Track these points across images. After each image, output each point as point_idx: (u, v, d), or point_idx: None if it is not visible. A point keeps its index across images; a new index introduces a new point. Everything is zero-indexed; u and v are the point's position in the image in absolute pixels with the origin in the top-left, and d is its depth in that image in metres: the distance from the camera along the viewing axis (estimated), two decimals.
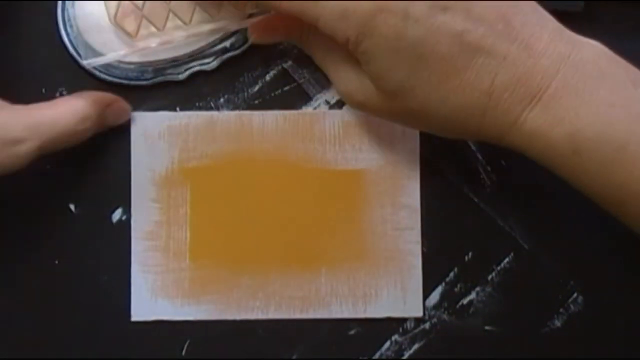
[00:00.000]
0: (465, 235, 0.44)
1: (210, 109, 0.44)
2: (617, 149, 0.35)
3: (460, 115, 0.36)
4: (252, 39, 0.42)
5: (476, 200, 0.44)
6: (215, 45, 0.44)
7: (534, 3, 0.37)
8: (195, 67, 0.44)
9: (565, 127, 0.35)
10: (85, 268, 0.44)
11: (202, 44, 0.43)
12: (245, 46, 0.44)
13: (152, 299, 0.44)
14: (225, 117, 0.44)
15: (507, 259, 0.44)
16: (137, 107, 0.44)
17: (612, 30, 0.45)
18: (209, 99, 0.44)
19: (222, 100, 0.45)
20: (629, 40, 0.45)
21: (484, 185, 0.44)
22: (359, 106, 0.40)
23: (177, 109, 0.44)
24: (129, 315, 0.44)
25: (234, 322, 0.44)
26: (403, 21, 0.35)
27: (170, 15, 0.42)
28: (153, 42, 0.42)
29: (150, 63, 0.43)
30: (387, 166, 0.44)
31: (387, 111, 0.38)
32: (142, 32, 0.42)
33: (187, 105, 0.44)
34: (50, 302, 0.44)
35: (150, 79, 0.44)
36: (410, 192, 0.44)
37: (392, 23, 0.35)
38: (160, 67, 0.44)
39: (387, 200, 0.44)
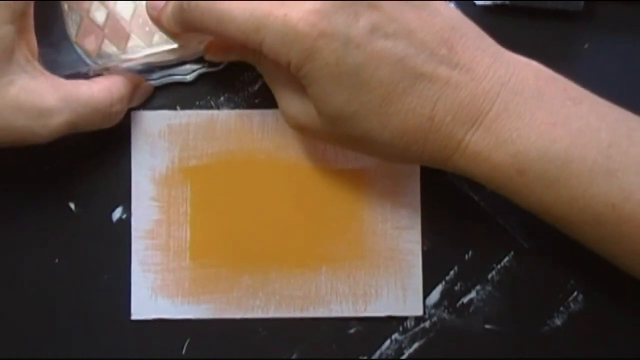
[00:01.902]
0: (465, 234, 0.44)
1: (211, 107, 0.44)
2: (560, 166, 0.35)
3: (402, 140, 0.36)
4: (207, 56, 0.42)
5: (476, 198, 0.44)
6: None
7: (476, 27, 0.37)
8: (203, 68, 0.44)
9: (508, 148, 0.35)
10: (86, 267, 0.44)
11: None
12: None
13: (152, 297, 0.44)
14: (226, 116, 0.44)
15: (507, 258, 0.44)
16: (137, 106, 0.44)
17: (612, 30, 0.45)
18: (209, 97, 0.44)
19: (222, 99, 0.45)
20: (629, 40, 0.45)
21: (484, 184, 0.44)
22: (302, 130, 0.40)
23: (177, 107, 0.44)
24: (129, 314, 0.44)
25: (234, 321, 0.44)
26: (344, 46, 0.35)
27: (132, 35, 0.43)
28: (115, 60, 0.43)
29: (157, 63, 0.43)
30: (388, 165, 0.44)
31: (329, 136, 0.38)
32: (105, 50, 0.43)
33: (187, 104, 0.44)
34: (50, 301, 0.44)
35: (158, 79, 0.44)
36: (410, 191, 0.44)
37: (332, 48, 0.35)
38: (167, 66, 0.44)
39: (387, 199, 0.44)
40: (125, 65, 0.43)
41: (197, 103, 0.44)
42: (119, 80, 0.42)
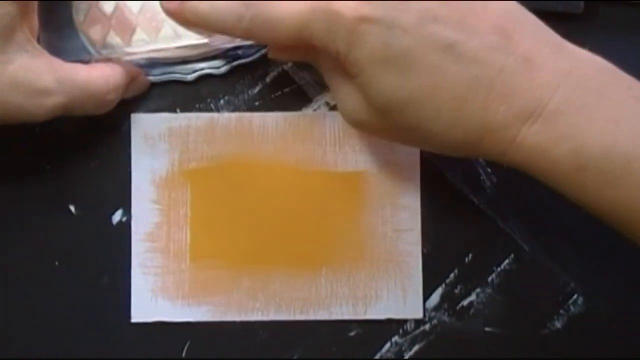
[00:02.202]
0: (465, 237, 0.44)
1: (211, 110, 0.44)
2: (622, 164, 0.34)
3: (457, 130, 0.35)
4: (271, 55, 0.41)
5: (476, 201, 0.44)
6: (228, 50, 0.44)
7: (536, 18, 0.36)
8: (205, 69, 0.44)
9: (569, 144, 0.34)
10: (86, 269, 0.44)
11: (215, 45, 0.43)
12: (257, 55, 0.44)
13: (152, 300, 0.44)
14: (226, 119, 0.44)
15: (507, 261, 0.44)
16: (136, 108, 0.44)
17: (612, 30, 0.45)
18: (209, 100, 0.44)
19: (222, 101, 0.44)
20: (629, 40, 0.45)
21: (484, 187, 0.44)
22: (358, 125, 0.39)
23: (177, 110, 0.44)
24: (129, 317, 0.44)
25: (234, 323, 0.44)
26: (388, 30, 0.34)
27: (138, 29, 0.42)
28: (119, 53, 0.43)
29: (160, 59, 0.43)
30: (387, 167, 0.44)
31: (386, 128, 0.37)
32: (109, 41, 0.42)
33: (187, 106, 0.44)
34: (50, 304, 0.44)
35: (158, 75, 0.44)
36: (410, 193, 0.44)
37: (376, 32, 0.34)
38: (169, 63, 0.44)
39: (387, 201, 0.44)
40: (128, 58, 0.43)
41: (197, 106, 0.44)
42: (117, 70, 0.42)
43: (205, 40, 0.42)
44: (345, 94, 0.38)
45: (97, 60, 0.42)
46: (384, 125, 0.37)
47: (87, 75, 0.40)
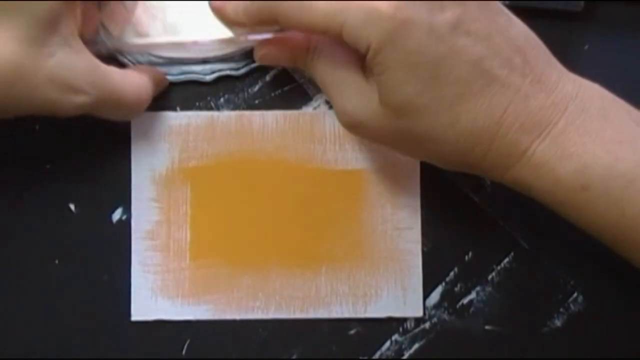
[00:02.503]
0: (465, 235, 0.44)
1: (211, 108, 0.44)
2: (626, 184, 0.35)
3: (468, 140, 0.36)
4: (258, 60, 0.42)
5: (476, 199, 0.44)
6: (247, 52, 0.43)
7: (543, 45, 0.37)
8: (224, 70, 0.44)
9: (574, 162, 0.35)
10: (85, 268, 0.44)
11: (234, 49, 0.43)
12: None
13: (152, 298, 0.44)
14: (226, 117, 0.44)
15: (507, 259, 0.44)
16: None
17: (612, 30, 0.45)
18: (209, 98, 0.44)
19: (222, 100, 0.45)
20: (629, 40, 0.45)
21: (483, 185, 0.44)
22: (357, 128, 0.39)
23: (178, 108, 0.44)
24: (129, 315, 0.44)
25: (234, 321, 0.44)
26: (426, 36, 0.34)
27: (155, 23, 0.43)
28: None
29: (180, 60, 0.43)
30: (387, 166, 0.44)
31: (388, 132, 0.38)
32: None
33: (187, 105, 0.44)
34: (50, 302, 0.44)
35: (176, 75, 0.44)
36: (410, 191, 0.44)
37: (416, 36, 0.35)
38: (188, 63, 0.44)
39: (387, 200, 0.44)
40: (145, 58, 0.43)
41: (197, 104, 0.44)
42: (147, 80, 0.42)
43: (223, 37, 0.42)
44: (347, 95, 0.38)
45: (110, 50, 0.43)
46: (390, 128, 0.37)
47: (120, 81, 0.40)
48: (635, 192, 0.35)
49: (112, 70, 0.40)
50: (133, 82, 0.41)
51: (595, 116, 0.36)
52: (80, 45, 0.38)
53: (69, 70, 0.37)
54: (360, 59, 0.38)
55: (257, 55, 0.41)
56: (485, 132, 0.36)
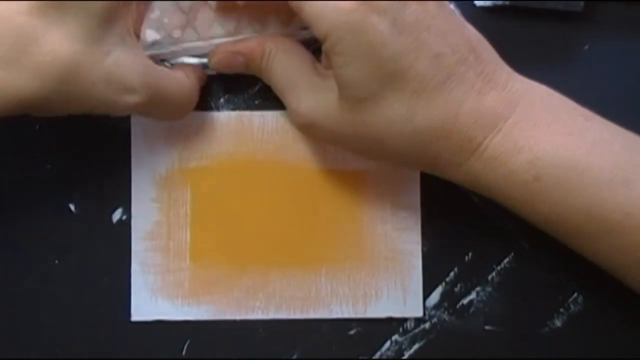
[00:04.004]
0: (465, 235, 0.44)
1: (211, 109, 0.44)
2: (577, 173, 0.36)
3: (425, 136, 0.37)
4: (211, 65, 0.42)
5: (476, 200, 0.44)
6: None
7: (492, 48, 0.38)
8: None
9: (526, 154, 0.36)
10: (85, 268, 0.44)
11: None
12: None
13: (152, 299, 0.44)
14: (226, 118, 0.44)
15: (507, 259, 0.44)
16: None
17: (612, 30, 0.45)
18: (209, 98, 0.44)
19: (222, 100, 0.44)
20: (629, 41, 0.45)
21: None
22: (311, 127, 0.40)
23: None
24: (129, 315, 0.44)
25: (234, 322, 0.44)
26: (390, 29, 0.35)
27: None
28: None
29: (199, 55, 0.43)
30: (387, 166, 0.44)
31: (345, 129, 0.38)
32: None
33: None
34: (50, 302, 0.44)
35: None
36: (410, 192, 0.44)
37: (381, 28, 0.35)
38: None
39: (387, 200, 0.44)
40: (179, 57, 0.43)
41: (198, 104, 0.44)
42: (195, 80, 0.42)
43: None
44: (301, 94, 0.40)
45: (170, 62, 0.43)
46: (347, 126, 0.38)
47: (172, 81, 0.40)
48: (586, 182, 0.36)
49: (163, 71, 0.40)
50: (183, 82, 0.41)
51: (544, 111, 0.37)
52: (135, 44, 0.39)
53: (125, 69, 0.37)
54: (314, 62, 0.40)
55: (211, 61, 0.42)
56: (441, 127, 0.36)
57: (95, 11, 0.36)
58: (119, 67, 0.37)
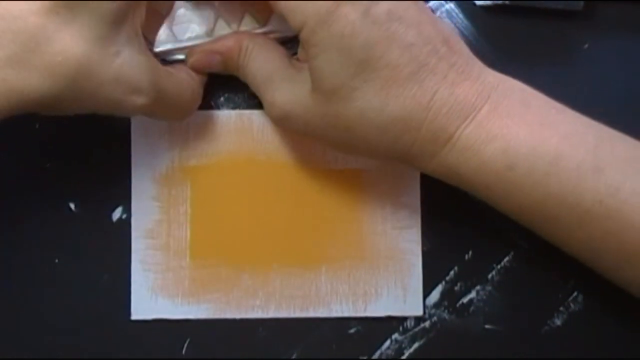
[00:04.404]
0: (465, 234, 0.44)
1: (211, 107, 0.44)
2: (549, 162, 0.36)
3: (397, 126, 0.37)
4: (189, 65, 0.43)
5: (476, 199, 0.44)
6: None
7: (464, 43, 0.39)
8: None
9: (499, 143, 0.36)
10: (85, 267, 0.44)
11: None
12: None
13: (152, 297, 0.44)
14: (226, 116, 0.44)
15: (507, 258, 0.44)
16: None
17: (612, 30, 0.45)
18: (209, 97, 0.44)
19: (222, 99, 0.45)
20: (629, 40, 0.45)
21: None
22: (287, 117, 0.40)
23: None
24: (129, 314, 0.44)
25: (234, 321, 0.44)
26: (362, 19, 0.36)
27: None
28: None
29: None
30: (387, 166, 0.44)
31: (319, 120, 0.38)
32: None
33: None
34: (50, 301, 0.44)
35: None
36: (410, 191, 0.44)
37: (351, 18, 0.35)
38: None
39: (387, 199, 0.44)
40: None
41: None
42: (198, 79, 0.42)
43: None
44: (277, 88, 0.40)
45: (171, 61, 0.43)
46: (320, 116, 0.38)
47: (178, 82, 0.40)
48: (558, 171, 0.36)
49: (170, 71, 0.40)
50: (188, 83, 0.41)
51: (516, 103, 0.37)
52: (143, 45, 0.38)
53: (134, 70, 0.37)
54: (289, 56, 0.41)
55: (189, 61, 0.43)
56: (413, 117, 0.37)
57: (107, 12, 0.36)
58: (128, 67, 0.37)
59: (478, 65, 0.38)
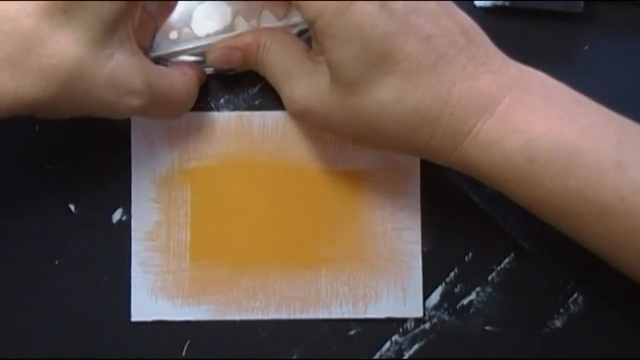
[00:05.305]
0: (465, 236, 0.44)
1: (211, 109, 0.44)
2: (570, 156, 0.36)
3: (415, 118, 0.36)
4: (209, 62, 0.43)
5: (476, 200, 0.44)
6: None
7: (485, 35, 0.39)
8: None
9: (519, 137, 0.36)
10: (85, 268, 0.44)
11: None
12: None
13: (152, 299, 0.44)
14: (226, 118, 0.44)
15: (507, 259, 0.44)
16: None
17: (612, 30, 0.45)
18: (209, 99, 0.44)
19: (222, 100, 0.45)
20: (629, 42, 0.45)
21: (484, 185, 0.44)
22: (306, 111, 0.40)
23: None
24: (129, 316, 0.44)
25: (234, 322, 0.44)
26: (379, 11, 0.35)
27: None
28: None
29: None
30: (387, 166, 0.44)
31: (337, 113, 0.38)
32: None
33: None
34: (50, 302, 0.44)
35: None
36: (410, 192, 0.44)
37: (369, 10, 0.35)
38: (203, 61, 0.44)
39: (387, 200, 0.44)
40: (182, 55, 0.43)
41: (198, 105, 0.44)
42: (194, 78, 0.42)
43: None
44: (295, 81, 0.40)
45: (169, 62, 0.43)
46: (339, 110, 0.38)
47: (171, 81, 0.40)
48: (579, 164, 0.36)
49: (164, 71, 0.40)
50: (182, 81, 0.41)
51: (538, 95, 0.37)
52: (135, 47, 0.38)
53: (127, 72, 0.37)
54: (308, 50, 0.41)
55: (210, 58, 0.43)
56: (431, 110, 0.36)
57: (102, 14, 0.36)
58: (122, 70, 0.37)
59: (500, 57, 0.38)
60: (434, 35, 0.36)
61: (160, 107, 0.40)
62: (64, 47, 0.35)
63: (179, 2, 0.43)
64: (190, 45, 0.43)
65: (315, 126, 0.42)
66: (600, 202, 0.36)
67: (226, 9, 0.43)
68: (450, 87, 0.36)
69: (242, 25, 0.43)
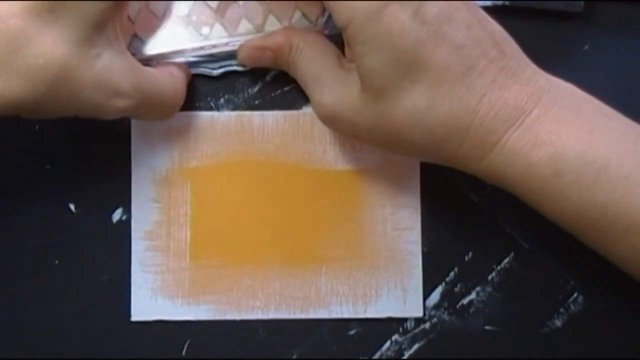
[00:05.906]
0: (465, 235, 0.44)
1: (211, 109, 0.44)
2: (597, 170, 0.35)
3: (444, 128, 0.36)
4: (240, 60, 0.43)
5: (476, 199, 0.44)
6: None
7: (517, 45, 0.38)
8: (232, 66, 0.44)
9: (547, 149, 0.36)
10: (85, 268, 0.44)
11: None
12: None
13: (152, 298, 0.44)
14: (226, 118, 0.44)
15: (507, 259, 0.44)
16: None
17: (612, 30, 0.45)
18: (209, 99, 0.44)
19: (222, 100, 0.45)
20: (630, 41, 0.45)
21: (484, 185, 0.44)
22: (336, 118, 0.40)
23: None
24: (129, 315, 0.44)
25: (234, 322, 0.44)
26: (411, 19, 0.35)
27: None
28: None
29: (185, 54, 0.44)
30: (387, 166, 0.44)
31: (366, 121, 0.38)
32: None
33: (187, 105, 0.44)
34: (50, 302, 0.44)
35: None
36: (410, 192, 0.44)
37: (401, 18, 0.35)
38: (196, 61, 0.44)
39: (387, 200, 0.44)
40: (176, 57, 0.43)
41: (197, 104, 0.44)
42: (182, 78, 0.42)
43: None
44: (325, 87, 0.40)
45: (159, 63, 0.43)
46: (368, 117, 0.38)
47: (160, 82, 0.40)
48: (606, 179, 0.35)
49: (151, 72, 0.40)
50: (170, 81, 0.41)
51: (567, 108, 0.37)
52: (123, 47, 0.38)
53: (114, 72, 0.37)
54: (339, 55, 0.41)
55: (240, 55, 0.43)
56: (460, 120, 0.36)
57: (88, 14, 0.36)
58: (109, 70, 0.37)
59: (531, 68, 0.37)
60: (466, 45, 0.36)
61: (148, 108, 0.40)
62: (51, 47, 0.35)
63: None
64: (222, 41, 0.43)
65: (342, 132, 0.42)
66: (625, 218, 0.36)
67: (258, 7, 0.43)
68: (480, 98, 0.36)
69: (273, 25, 0.43)
